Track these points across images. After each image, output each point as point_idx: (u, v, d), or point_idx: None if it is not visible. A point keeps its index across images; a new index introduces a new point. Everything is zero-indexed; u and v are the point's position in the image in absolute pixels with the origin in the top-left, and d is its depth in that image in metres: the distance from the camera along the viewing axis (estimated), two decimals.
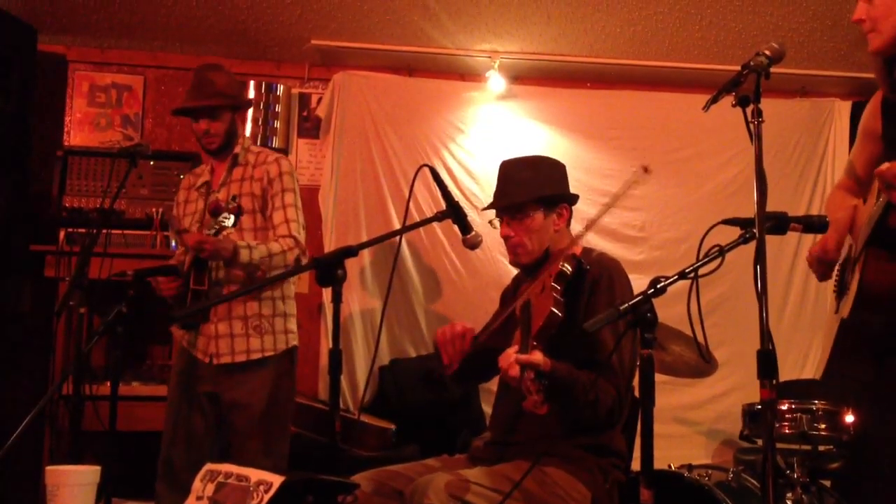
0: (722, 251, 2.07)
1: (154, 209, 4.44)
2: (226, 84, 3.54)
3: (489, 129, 5.08)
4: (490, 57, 4.91)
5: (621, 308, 2.02)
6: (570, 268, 2.56)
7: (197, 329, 3.46)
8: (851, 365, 2.48)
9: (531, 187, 2.78)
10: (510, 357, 2.37)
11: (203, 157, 3.77)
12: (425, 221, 2.81)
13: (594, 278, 2.67)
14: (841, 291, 2.52)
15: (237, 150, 3.56)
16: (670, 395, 4.62)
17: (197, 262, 3.28)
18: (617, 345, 2.54)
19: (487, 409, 4.63)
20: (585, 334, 2.05)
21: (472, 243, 2.73)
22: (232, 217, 3.20)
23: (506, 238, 2.81)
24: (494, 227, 2.88)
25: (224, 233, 3.21)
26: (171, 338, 3.86)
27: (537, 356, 2.36)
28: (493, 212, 2.90)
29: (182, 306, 3.30)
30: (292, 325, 3.56)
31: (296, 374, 3.60)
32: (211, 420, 3.48)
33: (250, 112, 4.83)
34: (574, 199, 2.87)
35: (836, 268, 2.56)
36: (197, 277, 3.29)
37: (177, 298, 3.35)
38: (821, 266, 2.54)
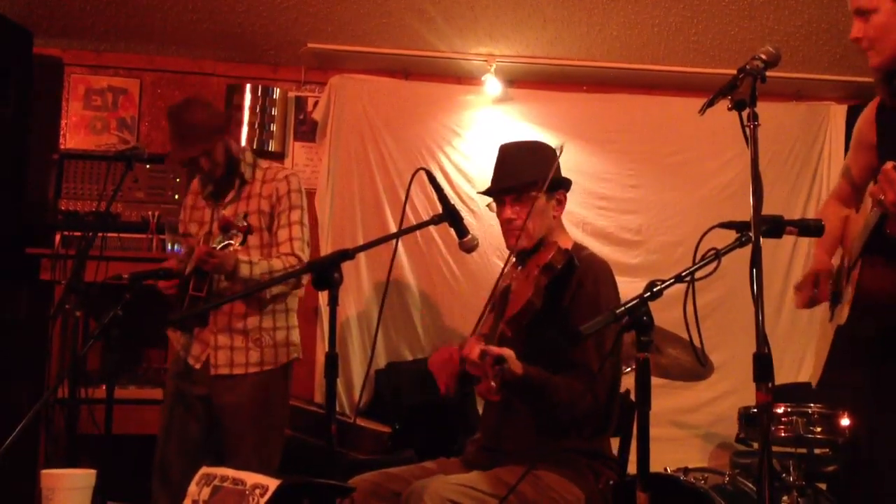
0: (718, 255, 2.07)
1: (150, 212, 4.44)
2: (204, 119, 3.38)
3: (485, 133, 5.07)
4: (486, 60, 4.91)
5: (617, 311, 2.03)
6: (559, 261, 2.56)
7: (191, 333, 3.46)
8: (847, 372, 2.49)
9: (534, 169, 2.76)
10: (473, 344, 2.39)
11: None
12: (422, 225, 2.81)
13: (580, 277, 2.66)
14: (835, 300, 2.52)
15: (243, 168, 3.52)
16: (666, 398, 4.61)
17: (199, 269, 3.28)
18: (597, 349, 2.55)
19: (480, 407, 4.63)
20: (581, 337, 2.05)
21: (468, 246, 2.73)
22: (241, 235, 3.20)
23: (507, 221, 2.78)
24: (492, 211, 2.87)
25: (230, 249, 3.22)
26: (167, 341, 3.85)
27: (507, 352, 2.37)
28: (485, 198, 2.90)
29: (178, 310, 3.30)
30: (294, 337, 3.55)
31: (291, 385, 3.59)
32: (205, 423, 3.47)
33: (246, 116, 4.83)
34: (569, 185, 2.87)
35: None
36: (197, 284, 3.29)
37: (174, 300, 3.35)
38: (821, 282, 2.52)
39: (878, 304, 2.30)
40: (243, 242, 3.23)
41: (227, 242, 3.19)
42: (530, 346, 2.49)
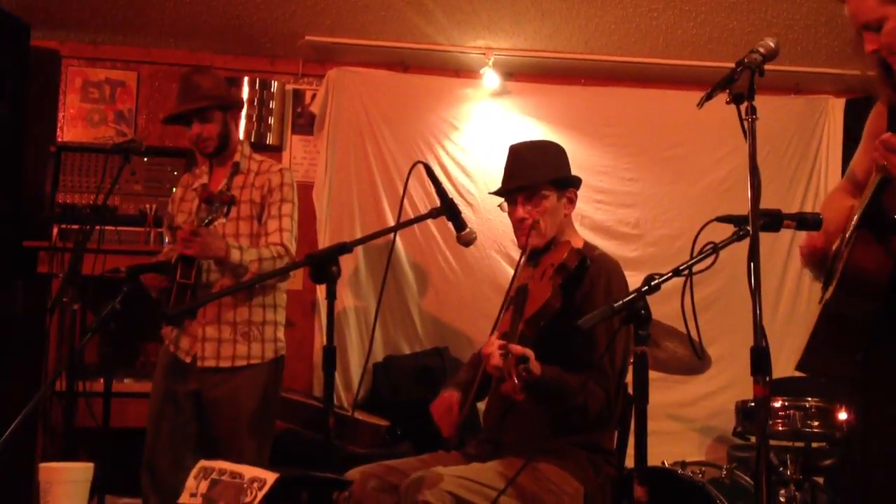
0: (716, 248, 2.08)
1: (147, 205, 4.43)
2: (212, 86, 3.49)
3: (483, 126, 5.07)
4: (484, 53, 4.90)
5: (615, 305, 2.03)
6: (573, 261, 2.57)
7: (181, 327, 3.45)
8: (835, 358, 2.46)
9: (545, 168, 2.79)
10: (494, 344, 2.38)
11: (200, 158, 3.75)
12: (420, 218, 2.81)
13: (593, 277, 2.67)
14: (828, 282, 2.52)
15: (237, 157, 3.54)
16: (664, 391, 4.62)
17: (186, 255, 3.26)
18: (609, 347, 2.55)
19: (480, 405, 4.63)
20: (580, 331, 2.06)
21: (466, 240, 2.73)
22: (225, 206, 3.17)
23: (520, 220, 2.79)
24: (504, 211, 2.87)
25: (216, 223, 3.20)
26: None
27: (529, 352, 2.37)
28: (493, 197, 2.90)
29: (167, 299, 3.28)
30: (281, 334, 3.54)
31: (282, 384, 3.59)
32: (194, 419, 3.46)
33: (244, 109, 4.80)
34: (579, 183, 2.88)
35: None
36: (184, 271, 3.26)
37: (162, 292, 3.33)
38: (812, 259, 2.52)
39: (866, 279, 2.28)
40: (227, 213, 3.19)
41: (211, 217, 3.15)
42: (547, 345, 2.48)
